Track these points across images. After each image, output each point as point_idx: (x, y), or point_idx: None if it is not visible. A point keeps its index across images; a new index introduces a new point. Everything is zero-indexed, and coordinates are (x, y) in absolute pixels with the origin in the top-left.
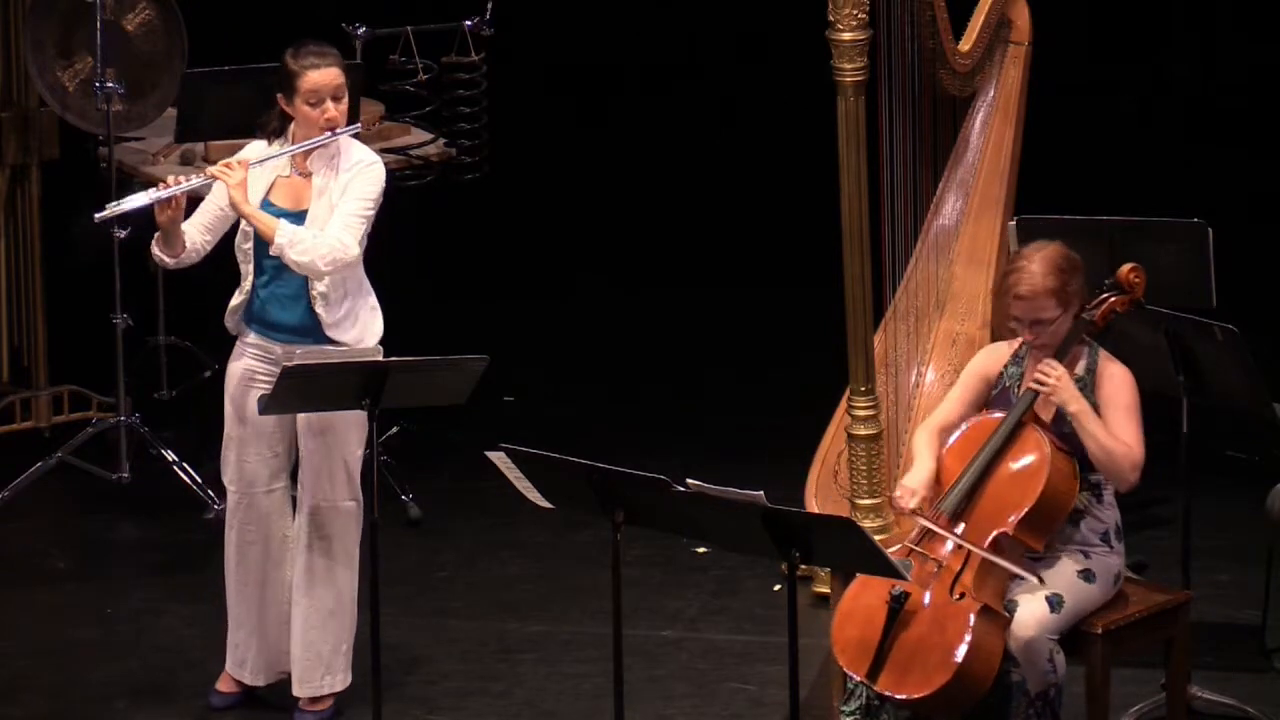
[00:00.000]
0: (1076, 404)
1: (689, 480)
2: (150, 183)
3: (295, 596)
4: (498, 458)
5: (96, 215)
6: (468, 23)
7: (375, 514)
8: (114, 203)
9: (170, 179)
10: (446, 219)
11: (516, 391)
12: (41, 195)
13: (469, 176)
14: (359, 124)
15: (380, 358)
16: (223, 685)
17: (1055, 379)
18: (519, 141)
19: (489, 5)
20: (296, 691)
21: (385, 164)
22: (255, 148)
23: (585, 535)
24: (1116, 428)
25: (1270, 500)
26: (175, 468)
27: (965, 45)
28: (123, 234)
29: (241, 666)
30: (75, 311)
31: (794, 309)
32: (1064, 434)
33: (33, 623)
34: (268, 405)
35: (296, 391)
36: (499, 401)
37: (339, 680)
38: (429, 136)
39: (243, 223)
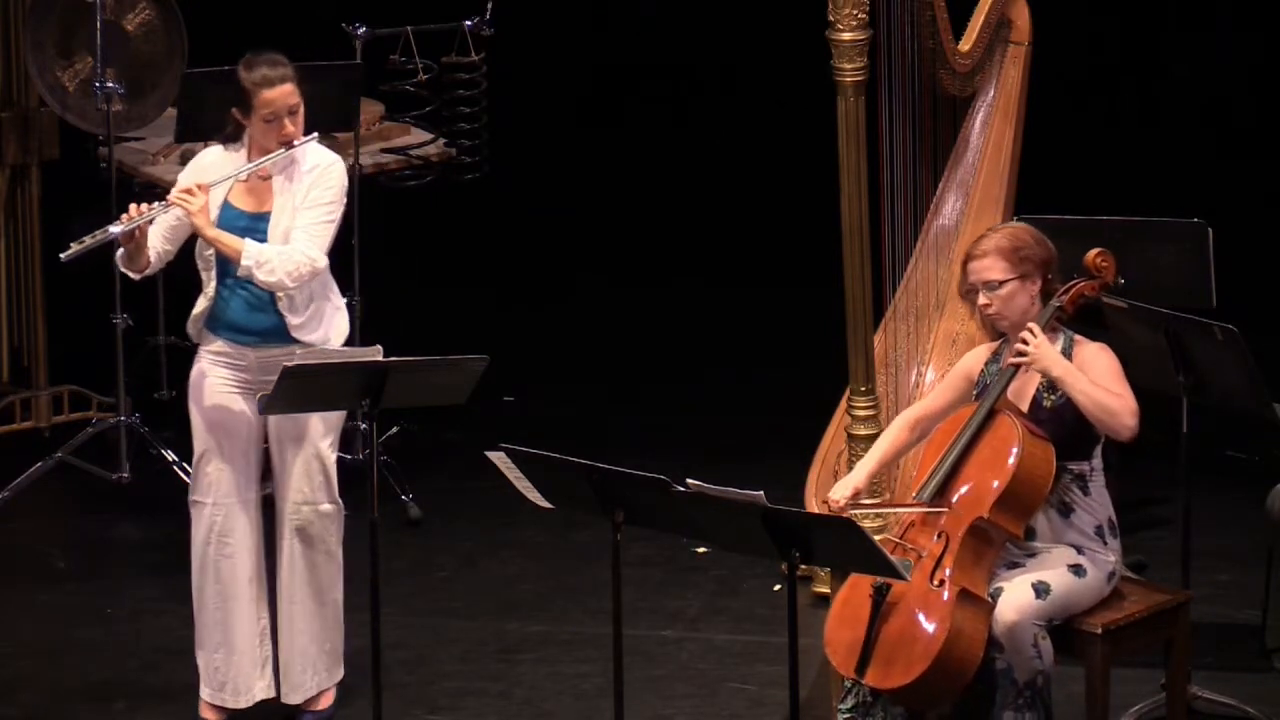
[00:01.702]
0: (1059, 367)
1: (689, 480)
2: (149, 184)
3: (282, 604)
4: (498, 458)
5: (62, 255)
6: (468, 23)
7: (375, 514)
8: (78, 241)
9: (132, 208)
10: (446, 219)
11: (516, 391)
12: (41, 195)
13: (469, 176)
14: (315, 135)
15: (380, 358)
16: (209, 715)
17: (1035, 345)
18: (519, 141)
19: (489, 5)
20: (290, 698)
21: (385, 164)
22: (211, 153)
23: (585, 535)
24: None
25: (1270, 500)
26: (175, 468)
27: (965, 45)
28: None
29: (222, 689)
30: (75, 311)
31: (794, 309)
32: (1040, 420)
33: (33, 623)
34: (268, 405)
35: (297, 391)
36: (499, 401)
37: (333, 675)
38: (429, 136)
39: None
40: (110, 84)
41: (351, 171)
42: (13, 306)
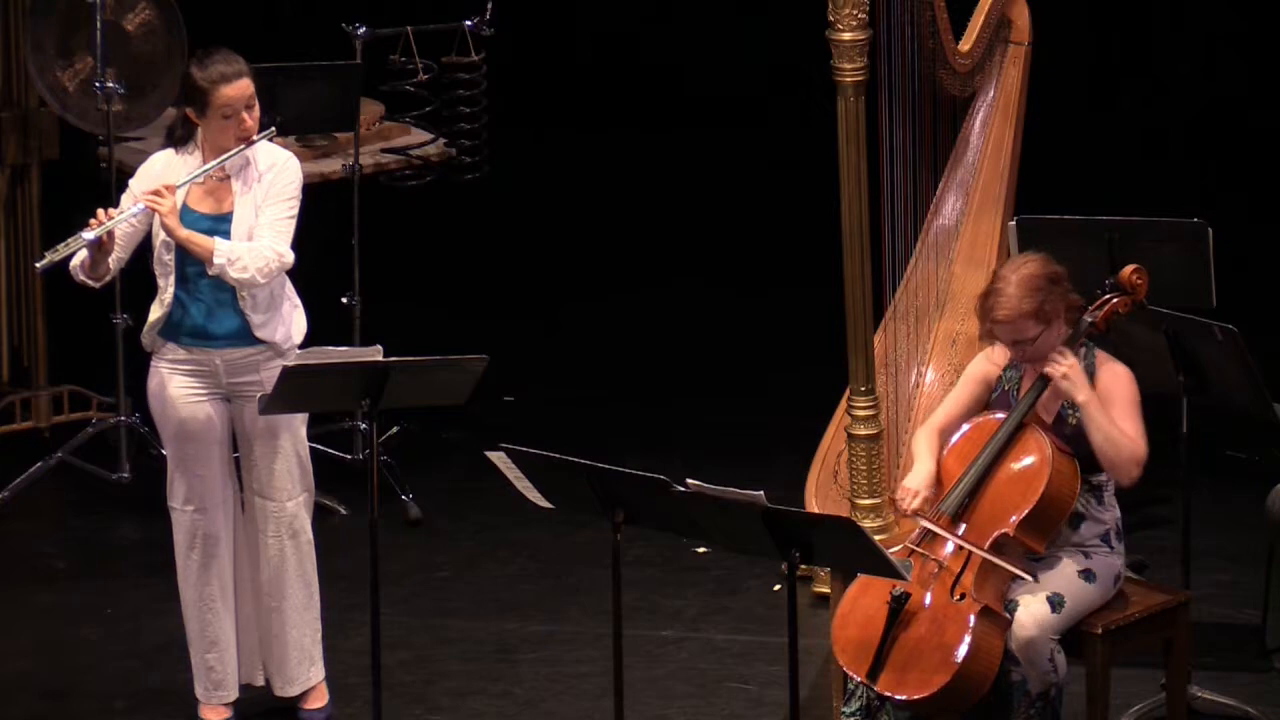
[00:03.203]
0: (1085, 393)
1: (689, 480)
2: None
3: (267, 601)
4: (498, 458)
5: (38, 265)
6: (468, 23)
7: (375, 514)
8: (53, 250)
9: (101, 214)
10: (446, 219)
11: (516, 391)
12: (41, 195)
13: (469, 176)
14: (272, 129)
15: (380, 358)
16: (211, 715)
17: (1068, 368)
18: (519, 141)
19: (489, 5)
20: (287, 691)
21: (385, 164)
22: (160, 158)
23: (585, 535)
24: (1119, 422)
25: (1270, 500)
26: None
27: (965, 45)
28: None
29: (220, 688)
30: (75, 311)
31: (794, 310)
32: (1065, 436)
33: (33, 623)
34: (268, 405)
35: (296, 391)
36: (499, 401)
37: (321, 668)
38: (429, 136)
39: (163, 235)
40: (110, 84)
41: (351, 171)
42: (13, 306)
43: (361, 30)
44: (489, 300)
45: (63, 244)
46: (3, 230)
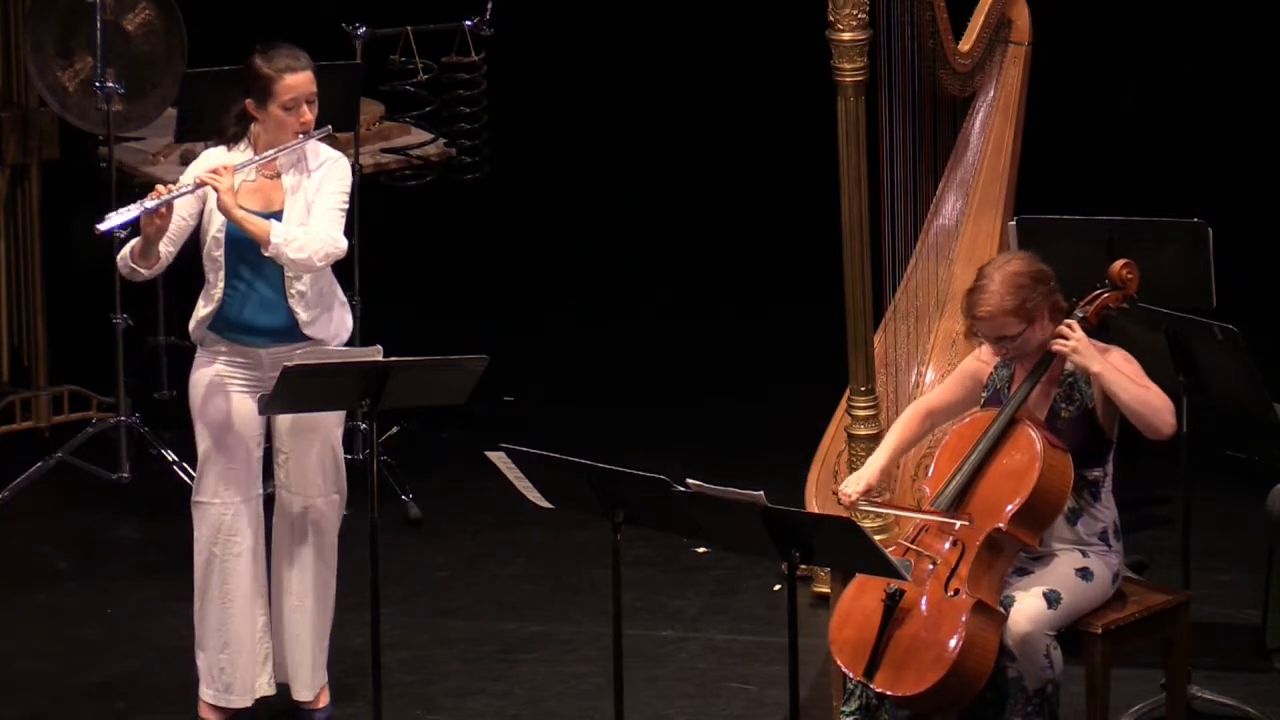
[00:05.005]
0: (1098, 363)
1: (689, 480)
2: (149, 184)
3: (291, 600)
4: (498, 458)
5: (98, 227)
6: (468, 23)
7: (375, 514)
8: (113, 213)
9: (160, 187)
10: (446, 219)
11: (516, 391)
12: (41, 195)
13: (469, 176)
14: (328, 127)
15: (380, 358)
16: (210, 716)
17: (1077, 338)
18: (519, 141)
19: (489, 5)
20: (301, 695)
21: (385, 164)
22: (214, 154)
23: (585, 535)
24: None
25: (1270, 500)
26: (175, 468)
27: (965, 45)
28: (124, 234)
29: (228, 691)
30: (75, 311)
31: (794, 309)
32: (1058, 430)
33: (33, 623)
34: (268, 405)
35: (297, 391)
36: (499, 401)
37: (324, 670)
38: (429, 136)
39: (213, 230)
40: (110, 84)
41: (351, 171)
42: (13, 306)
43: (361, 30)
44: (489, 300)
45: (124, 208)
46: (3, 230)
